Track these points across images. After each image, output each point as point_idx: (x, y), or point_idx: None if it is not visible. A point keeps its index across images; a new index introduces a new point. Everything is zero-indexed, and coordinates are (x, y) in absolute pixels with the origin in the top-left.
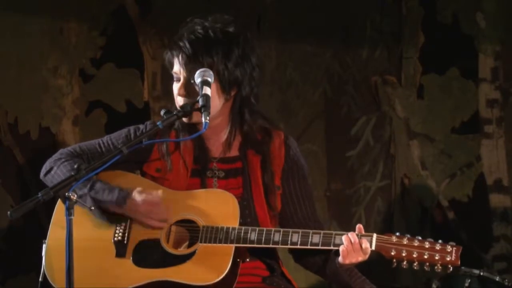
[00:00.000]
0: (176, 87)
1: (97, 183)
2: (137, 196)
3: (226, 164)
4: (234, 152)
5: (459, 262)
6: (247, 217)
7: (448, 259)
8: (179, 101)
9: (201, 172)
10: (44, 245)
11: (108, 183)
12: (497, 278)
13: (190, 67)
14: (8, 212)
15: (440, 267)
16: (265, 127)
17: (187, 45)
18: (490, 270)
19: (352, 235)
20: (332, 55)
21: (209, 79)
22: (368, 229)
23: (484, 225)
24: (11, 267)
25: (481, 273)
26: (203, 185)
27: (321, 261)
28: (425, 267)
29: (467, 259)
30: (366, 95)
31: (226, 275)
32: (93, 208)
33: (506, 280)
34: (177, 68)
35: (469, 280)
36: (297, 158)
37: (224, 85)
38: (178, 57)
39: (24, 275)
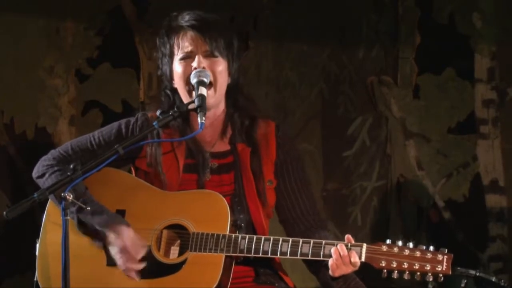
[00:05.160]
0: (193, 62)
1: (87, 204)
2: (123, 237)
3: (218, 159)
4: (225, 146)
5: (450, 272)
6: (240, 213)
7: (438, 268)
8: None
9: (195, 167)
10: (37, 245)
11: (97, 203)
12: (493, 279)
13: (212, 36)
14: (4, 212)
15: (431, 277)
16: (256, 117)
17: (203, 18)
18: (486, 270)
19: (341, 248)
20: (328, 55)
21: (205, 80)
22: (364, 229)
23: (480, 225)
24: (8, 267)
25: (477, 273)
26: (200, 180)
27: (313, 270)
28: (416, 277)
29: (463, 259)
30: (363, 95)
31: (218, 284)
32: (89, 208)
33: (502, 281)
34: (191, 43)
35: (465, 281)
36: (290, 149)
37: (232, 66)
38: (194, 31)
39: (21, 275)
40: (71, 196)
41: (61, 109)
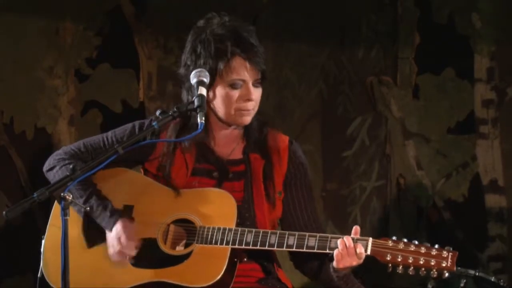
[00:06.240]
0: (250, 91)
1: (92, 197)
2: (119, 229)
3: (231, 167)
4: (238, 154)
5: (455, 268)
6: (247, 220)
7: (443, 265)
8: (250, 106)
9: (202, 171)
10: (43, 241)
11: (102, 199)
12: (493, 279)
13: (259, 67)
14: (4, 212)
15: (435, 273)
16: (270, 131)
17: (253, 48)
18: (486, 270)
19: (347, 239)
20: (328, 55)
21: (205, 80)
22: (364, 229)
23: (479, 225)
24: (8, 267)
25: (477, 273)
26: (219, 184)
27: (316, 266)
28: (420, 273)
29: (462, 259)
30: (362, 95)
31: (222, 277)
32: (88, 209)
33: (502, 280)
34: (244, 71)
35: (465, 281)
36: (301, 165)
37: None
38: (246, 60)
39: (21, 275)
40: (71, 196)
41: (61, 109)
